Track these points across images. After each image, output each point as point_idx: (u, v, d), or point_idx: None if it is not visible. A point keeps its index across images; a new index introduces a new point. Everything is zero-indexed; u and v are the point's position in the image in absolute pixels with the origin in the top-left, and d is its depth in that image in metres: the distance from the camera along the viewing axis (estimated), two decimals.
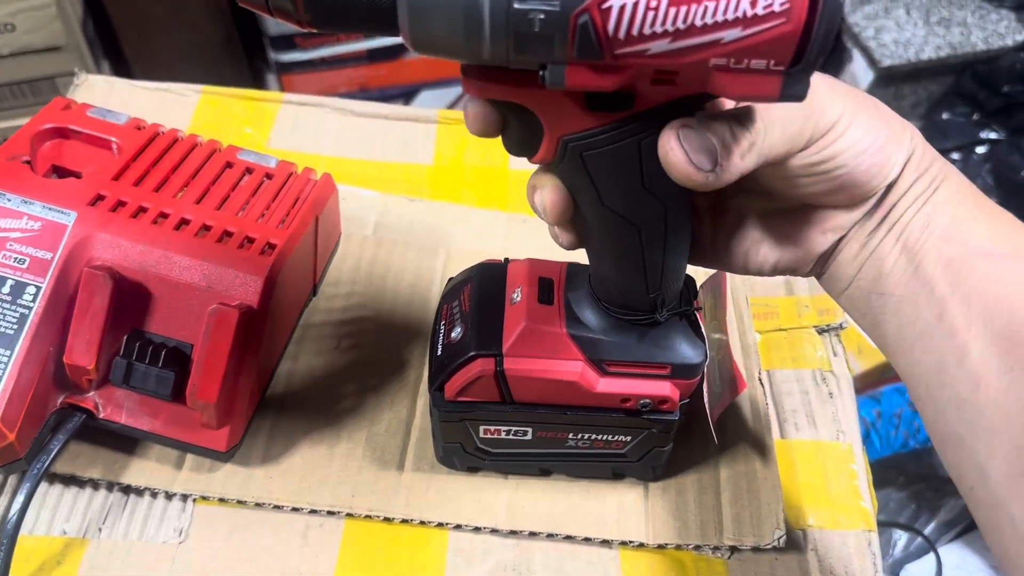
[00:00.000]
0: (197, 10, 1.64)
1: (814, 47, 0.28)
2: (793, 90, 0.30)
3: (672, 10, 0.27)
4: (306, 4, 0.30)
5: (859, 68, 1.90)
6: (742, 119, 0.33)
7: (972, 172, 1.82)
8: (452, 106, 1.76)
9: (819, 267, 0.41)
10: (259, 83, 1.79)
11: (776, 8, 0.27)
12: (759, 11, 0.27)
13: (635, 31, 0.28)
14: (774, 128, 0.34)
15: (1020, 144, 1.78)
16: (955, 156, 1.84)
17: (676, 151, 0.32)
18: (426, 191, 0.70)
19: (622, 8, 0.27)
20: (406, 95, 1.81)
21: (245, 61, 1.73)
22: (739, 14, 0.27)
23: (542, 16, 0.28)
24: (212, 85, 0.74)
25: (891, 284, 0.38)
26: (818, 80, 0.36)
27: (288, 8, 0.30)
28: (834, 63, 1.94)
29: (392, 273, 0.63)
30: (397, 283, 0.63)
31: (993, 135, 1.83)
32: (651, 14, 0.27)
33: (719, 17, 0.28)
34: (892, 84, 1.90)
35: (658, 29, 0.28)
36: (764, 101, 0.31)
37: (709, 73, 0.30)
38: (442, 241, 0.66)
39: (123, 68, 1.68)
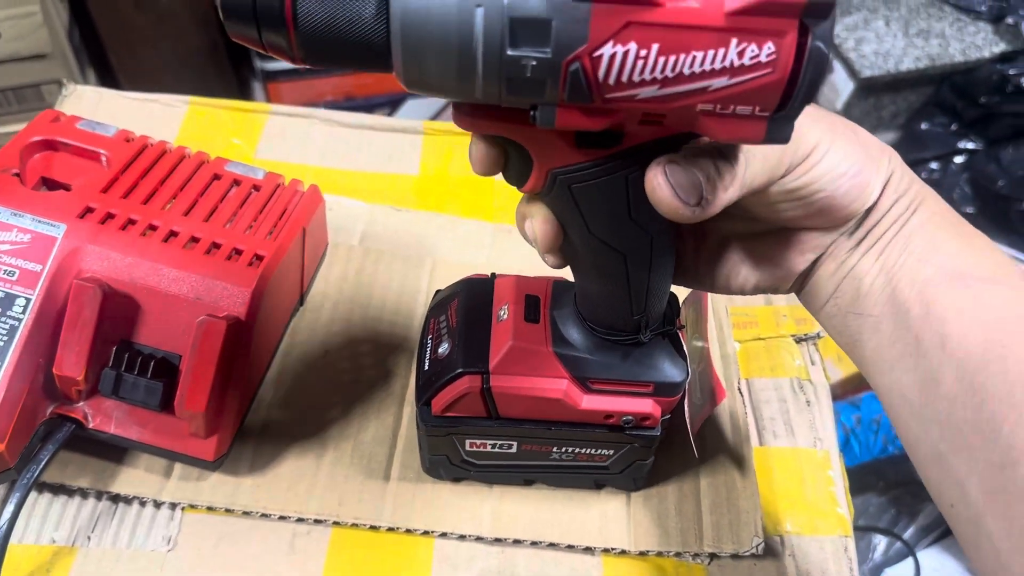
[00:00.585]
0: (183, 18, 1.64)
1: (799, 95, 0.29)
2: (777, 134, 0.31)
3: (661, 59, 0.28)
4: (300, 41, 0.30)
5: (839, 79, 1.92)
6: (726, 153, 0.34)
7: (950, 182, 1.84)
8: (437, 116, 1.76)
9: (798, 284, 0.42)
10: (245, 91, 1.79)
11: (763, 59, 0.28)
12: (746, 61, 0.28)
13: (625, 78, 0.29)
14: (755, 159, 0.35)
15: (997, 154, 1.81)
16: (933, 166, 1.86)
17: (663, 187, 0.33)
18: (412, 201, 0.70)
19: (612, 56, 0.28)
20: (392, 103, 1.82)
21: (231, 69, 1.73)
22: (726, 64, 0.28)
23: (534, 63, 0.28)
24: (198, 93, 0.74)
25: (869, 304, 0.39)
26: None
27: (282, 45, 0.31)
28: None
29: (378, 283, 0.64)
30: (384, 293, 0.64)
31: (971, 145, 1.85)
32: (640, 63, 0.28)
33: (707, 66, 0.28)
34: (872, 94, 1.93)
35: (647, 77, 0.29)
36: (749, 143, 0.32)
37: (696, 116, 0.31)
38: (428, 251, 0.67)
39: (109, 76, 1.68)
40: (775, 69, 0.28)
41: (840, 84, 1.92)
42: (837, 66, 1.91)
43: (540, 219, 0.39)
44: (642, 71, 0.28)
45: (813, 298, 0.42)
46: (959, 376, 0.35)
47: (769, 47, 0.28)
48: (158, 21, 1.63)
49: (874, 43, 1.90)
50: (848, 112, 1.95)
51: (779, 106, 0.30)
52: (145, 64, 1.67)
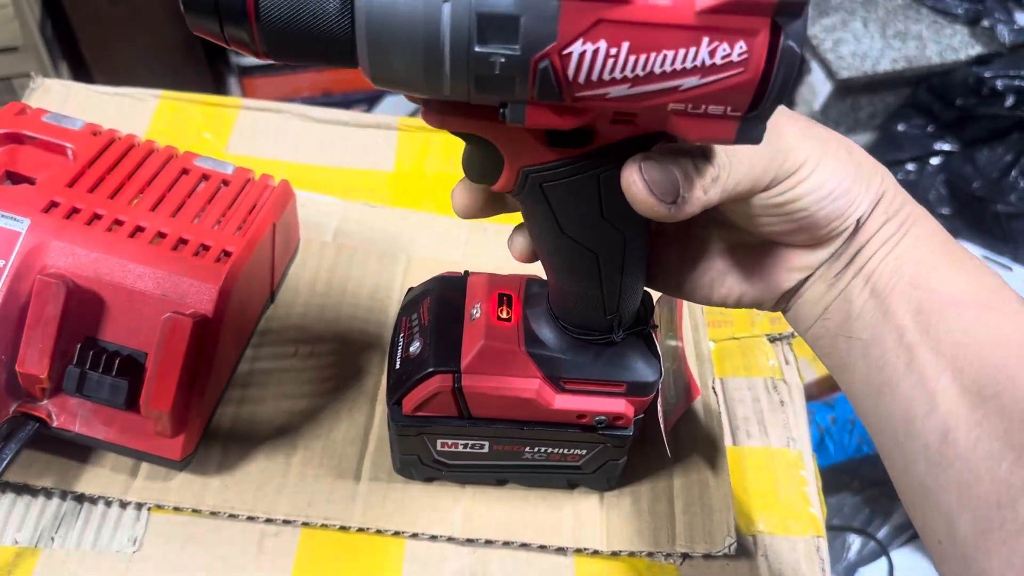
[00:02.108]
0: (158, 12, 1.62)
1: (771, 95, 0.29)
2: (749, 135, 0.31)
3: (632, 58, 0.28)
4: (263, 36, 0.29)
5: (817, 79, 1.93)
6: (707, 153, 0.33)
7: (926, 183, 1.86)
8: (415, 113, 1.76)
9: (784, 303, 0.41)
10: (220, 86, 1.77)
11: (734, 58, 0.28)
12: (717, 61, 0.28)
13: (595, 76, 0.28)
14: (739, 165, 0.34)
15: (973, 156, 1.83)
16: (910, 167, 1.88)
17: (638, 183, 0.32)
18: (387, 198, 0.70)
19: (582, 54, 0.28)
20: (369, 100, 1.81)
21: (206, 63, 1.72)
22: (698, 63, 0.28)
23: (503, 60, 0.28)
24: (173, 88, 0.73)
25: (859, 327, 0.37)
26: (790, 121, 0.36)
27: (245, 39, 0.30)
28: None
29: (352, 280, 0.64)
30: (357, 290, 0.63)
31: (947, 147, 1.87)
32: (611, 61, 0.28)
33: (678, 65, 0.28)
34: (849, 95, 1.94)
35: (617, 75, 0.28)
36: (720, 144, 0.32)
37: (667, 116, 0.30)
38: (403, 248, 0.66)
39: (82, 70, 1.66)
40: (747, 69, 0.28)
41: (818, 85, 1.93)
42: (815, 67, 1.92)
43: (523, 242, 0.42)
44: (612, 69, 0.28)
45: (801, 319, 0.41)
46: (953, 407, 0.34)
47: (741, 46, 0.27)
48: (133, 15, 1.61)
49: (852, 44, 1.91)
50: (825, 113, 1.96)
51: (751, 106, 0.29)
52: (119, 58, 1.65)
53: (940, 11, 1.98)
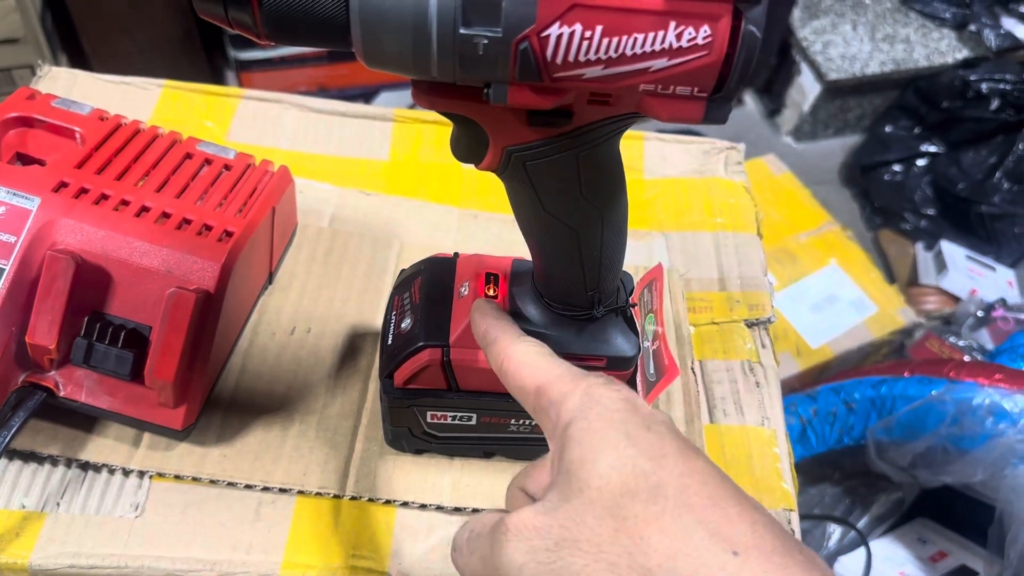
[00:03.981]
0: (157, 5, 1.64)
1: (734, 77, 0.32)
2: (715, 114, 0.33)
3: (605, 40, 0.30)
4: (264, 19, 0.32)
5: (807, 81, 1.96)
6: None
7: (912, 184, 1.89)
8: (412, 106, 1.78)
9: None
10: (218, 80, 1.79)
11: (699, 41, 0.31)
12: (683, 44, 0.31)
13: (571, 58, 0.31)
14: None
15: (958, 157, 1.86)
16: (896, 168, 1.90)
17: None
18: (382, 186, 0.72)
19: (559, 37, 0.30)
20: (365, 95, 1.83)
21: (204, 57, 1.74)
22: (665, 46, 0.31)
23: (486, 41, 0.31)
24: (171, 80, 0.76)
25: None
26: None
27: (247, 22, 0.33)
28: (783, 76, 2.00)
29: (347, 263, 0.66)
30: (351, 273, 0.65)
31: (933, 148, 1.90)
32: (586, 43, 0.30)
33: (647, 48, 0.31)
34: (838, 97, 1.97)
35: (592, 57, 0.31)
36: (689, 123, 0.34)
37: (640, 97, 0.33)
38: (396, 234, 0.69)
39: (81, 62, 1.68)
40: (711, 51, 0.31)
41: (807, 86, 1.96)
42: (804, 68, 1.95)
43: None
44: (587, 51, 0.30)
45: None
46: None
47: (705, 30, 0.30)
48: (132, 7, 1.63)
49: (841, 47, 1.94)
50: (814, 114, 2.00)
51: (716, 87, 0.32)
52: (118, 50, 1.67)
53: (928, 15, 2.01)
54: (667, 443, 0.31)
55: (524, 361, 0.38)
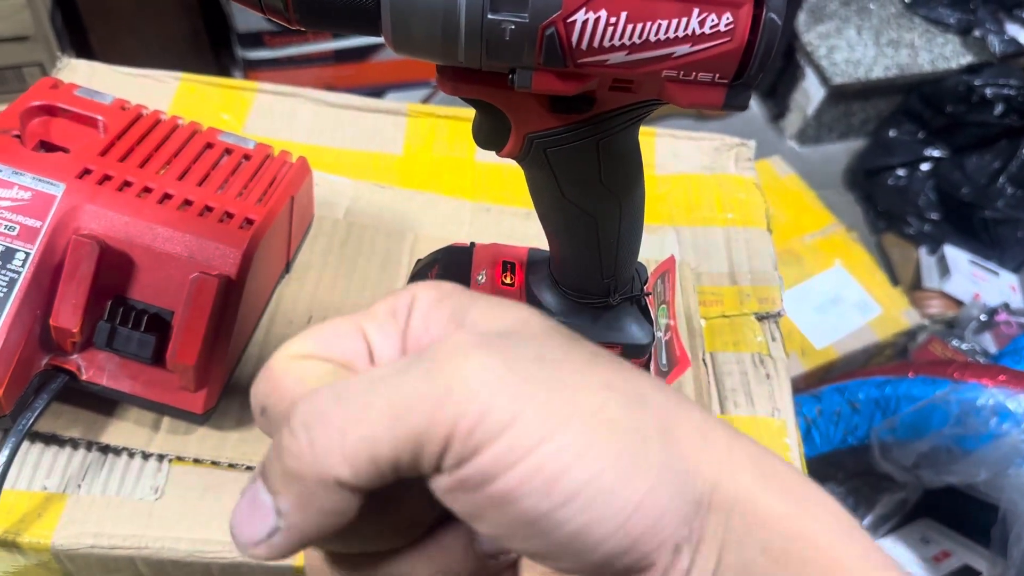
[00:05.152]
0: (165, 4, 1.65)
1: (755, 64, 0.33)
2: (736, 100, 0.34)
3: (630, 26, 0.31)
4: (296, 4, 0.33)
5: (811, 85, 1.97)
6: None
7: (916, 188, 1.89)
8: (424, 100, 1.79)
9: None
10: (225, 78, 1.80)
11: (722, 28, 0.31)
12: (706, 30, 0.31)
13: (596, 43, 0.32)
14: None
15: (962, 162, 1.86)
16: (900, 172, 1.91)
17: None
18: (396, 179, 0.73)
19: (585, 22, 0.31)
20: (372, 95, 1.84)
21: (212, 57, 1.75)
22: (688, 32, 0.31)
23: (513, 27, 0.31)
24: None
25: None
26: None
27: (279, 7, 0.33)
28: (788, 80, 2.01)
29: (362, 255, 0.67)
30: (366, 264, 0.66)
31: (937, 153, 1.90)
32: (611, 29, 0.31)
33: (671, 34, 0.32)
34: (843, 101, 1.98)
35: (616, 43, 0.32)
36: (710, 109, 0.35)
37: (662, 83, 0.34)
38: (410, 226, 0.70)
39: (90, 60, 1.68)
40: (733, 38, 0.31)
41: (812, 90, 1.97)
42: (809, 73, 1.96)
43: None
44: (612, 37, 0.31)
45: None
46: None
47: (727, 17, 0.31)
48: (140, 6, 1.64)
49: (846, 51, 1.95)
50: (819, 118, 2.00)
51: (736, 74, 0.33)
52: (126, 49, 1.68)
53: (933, 20, 2.02)
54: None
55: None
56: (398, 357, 0.24)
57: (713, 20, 0.31)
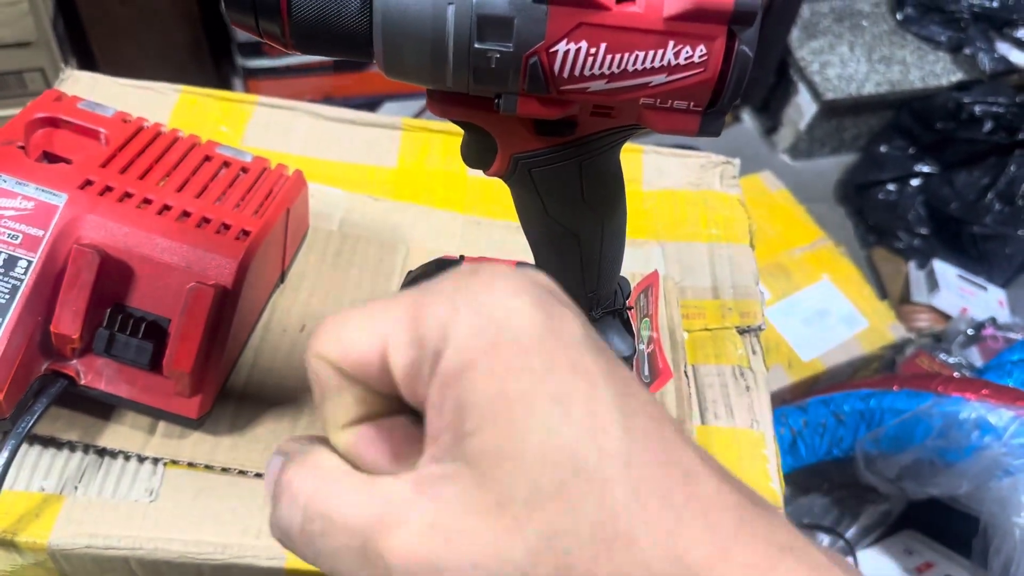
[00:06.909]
0: (166, 12, 1.67)
1: (727, 93, 0.34)
2: (709, 128, 0.36)
3: (608, 57, 0.33)
4: (292, 30, 0.35)
5: (804, 100, 1.99)
6: None
7: (906, 203, 1.91)
8: (417, 115, 1.81)
9: None
10: (225, 88, 1.81)
11: (696, 59, 0.33)
12: (681, 61, 0.33)
13: (577, 72, 0.34)
14: None
15: (951, 178, 1.89)
16: (891, 187, 1.93)
17: None
18: (389, 192, 0.75)
19: (567, 52, 0.33)
20: (370, 105, 1.86)
21: (212, 65, 1.76)
22: (664, 63, 0.33)
23: (498, 55, 0.33)
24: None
25: None
26: None
27: (276, 33, 0.35)
28: (780, 95, 2.04)
29: (355, 265, 0.69)
30: (359, 274, 0.68)
31: (927, 168, 1.93)
32: (591, 59, 0.33)
33: (648, 64, 0.33)
34: (835, 116, 2.00)
35: (596, 71, 0.34)
36: (685, 135, 0.37)
37: (640, 110, 0.36)
38: (403, 238, 0.71)
39: (91, 67, 1.70)
40: (706, 69, 0.33)
41: (804, 105, 2.00)
42: (801, 88, 1.99)
43: None
44: (592, 66, 0.33)
45: None
46: None
47: (701, 49, 0.33)
48: (142, 15, 1.66)
49: (838, 67, 1.97)
50: (811, 133, 2.03)
51: (710, 102, 0.35)
52: (127, 57, 1.70)
53: (924, 38, 2.05)
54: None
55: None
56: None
57: (688, 52, 0.33)
